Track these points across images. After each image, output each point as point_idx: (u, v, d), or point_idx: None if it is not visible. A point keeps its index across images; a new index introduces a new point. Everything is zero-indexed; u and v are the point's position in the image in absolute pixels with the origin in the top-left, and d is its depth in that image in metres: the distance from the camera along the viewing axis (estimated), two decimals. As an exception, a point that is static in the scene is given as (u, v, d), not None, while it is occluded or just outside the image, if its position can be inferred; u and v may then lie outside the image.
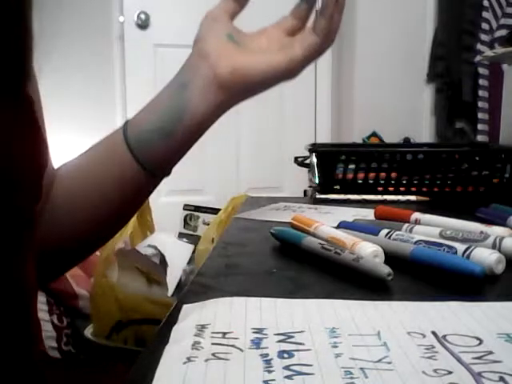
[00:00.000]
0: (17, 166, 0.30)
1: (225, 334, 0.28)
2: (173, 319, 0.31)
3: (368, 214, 0.62)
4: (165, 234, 1.49)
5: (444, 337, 0.27)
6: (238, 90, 0.47)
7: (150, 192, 0.50)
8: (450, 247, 0.41)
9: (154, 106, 0.47)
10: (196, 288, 0.38)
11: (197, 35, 0.48)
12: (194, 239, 1.58)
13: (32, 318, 0.33)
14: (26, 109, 0.31)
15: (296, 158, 0.93)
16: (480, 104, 2.03)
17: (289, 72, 0.47)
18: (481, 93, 2.03)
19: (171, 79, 0.48)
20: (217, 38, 0.47)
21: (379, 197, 0.80)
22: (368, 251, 0.41)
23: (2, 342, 0.29)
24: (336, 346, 0.26)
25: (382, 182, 0.80)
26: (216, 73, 0.46)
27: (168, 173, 0.49)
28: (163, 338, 0.28)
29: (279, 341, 0.27)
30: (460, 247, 0.41)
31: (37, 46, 0.31)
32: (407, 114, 2.44)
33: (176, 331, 0.29)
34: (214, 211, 1.62)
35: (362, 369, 0.24)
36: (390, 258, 0.41)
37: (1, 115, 0.28)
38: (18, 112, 0.30)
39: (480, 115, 2.03)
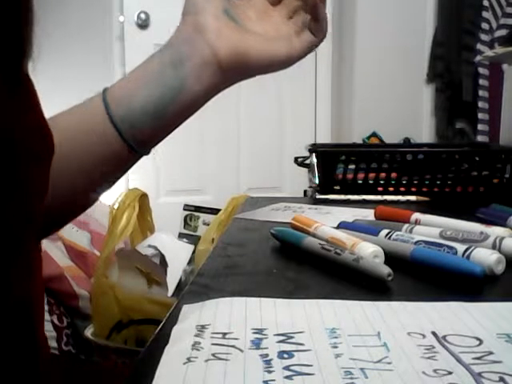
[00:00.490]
0: (21, 155, 0.27)
1: (225, 334, 0.28)
2: (173, 319, 0.31)
3: (368, 214, 0.62)
4: (165, 234, 1.49)
5: (444, 337, 0.27)
6: (235, 72, 0.46)
7: (128, 168, 0.48)
8: (450, 247, 0.41)
9: (142, 79, 0.44)
10: (196, 288, 0.38)
11: (189, 4, 0.46)
12: (194, 239, 1.58)
13: (38, 337, 0.31)
14: (27, 91, 0.29)
15: (296, 158, 0.93)
16: (480, 104, 2.03)
17: (286, 64, 0.47)
18: (481, 93, 2.03)
19: (162, 50, 0.45)
20: (214, 12, 0.45)
21: (379, 197, 0.80)
22: (368, 251, 0.41)
23: (5, 360, 0.28)
24: (336, 347, 0.26)
25: (382, 182, 0.80)
26: (215, 53, 0.44)
27: (148, 152, 0.47)
28: (163, 338, 0.28)
29: (279, 341, 0.27)
30: (460, 247, 0.41)
31: (37, 23, 0.29)
32: (407, 114, 2.44)
33: (176, 331, 0.29)
34: (214, 211, 1.62)
35: (362, 369, 0.24)
36: (390, 258, 0.41)
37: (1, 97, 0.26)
38: (18, 94, 0.28)
39: (480, 115, 2.03)
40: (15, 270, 0.28)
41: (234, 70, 0.46)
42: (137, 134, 0.44)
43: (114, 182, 0.49)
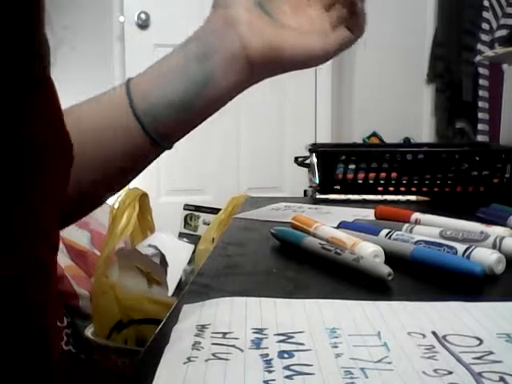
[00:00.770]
0: (35, 163, 0.25)
1: (225, 334, 0.28)
2: (173, 319, 0.31)
3: (368, 213, 0.62)
4: (165, 234, 1.49)
5: (444, 337, 0.27)
6: (266, 68, 0.44)
7: (150, 162, 0.47)
8: (451, 247, 0.41)
9: (167, 73, 0.43)
10: (196, 288, 0.38)
11: None
12: (194, 239, 1.58)
13: (52, 347, 0.30)
14: (45, 93, 0.27)
15: (296, 158, 0.93)
16: (480, 104, 2.03)
17: (321, 59, 0.45)
18: (481, 93, 2.03)
19: (187, 42, 0.44)
20: (246, 5, 0.43)
21: (379, 197, 0.80)
22: (368, 251, 0.41)
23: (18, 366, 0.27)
24: (336, 346, 0.26)
25: (382, 182, 0.80)
26: (246, 47, 0.42)
27: (171, 146, 0.46)
28: (163, 338, 0.28)
29: (279, 341, 0.27)
30: (460, 247, 0.40)
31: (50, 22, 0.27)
32: (407, 114, 2.44)
33: (176, 331, 0.29)
34: (215, 211, 1.62)
35: (362, 369, 0.24)
36: (391, 258, 0.41)
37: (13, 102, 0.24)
38: (34, 96, 0.26)
39: (480, 115, 2.04)
40: (29, 275, 0.27)
41: (265, 66, 0.44)
42: (160, 128, 0.43)
43: (133, 176, 0.48)
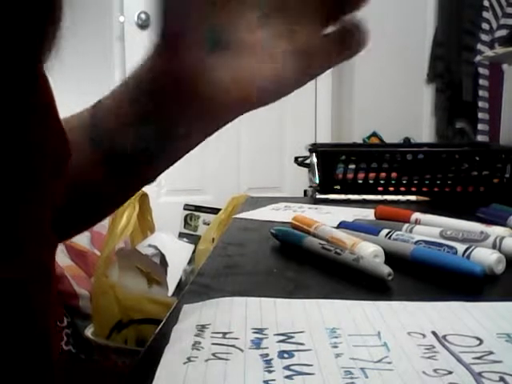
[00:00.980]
0: (33, 160, 0.25)
1: (225, 334, 0.28)
2: (173, 319, 0.31)
3: (368, 214, 0.62)
4: (165, 234, 1.49)
5: (444, 337, 0.27)
6: (238, 112, 0.37)
7: (114, 197, 0.42)
8: (451, 247, 0.41)
9: (130, 123, 0.36)
10: (196, 288, 0.38)
11: (162, 29, 0.32)
12: (194, 239, 1.58)
13: (52, 349, 0.30)
14: (42, 91, 0.26)
15: (296, 158, 0.93)
16: (480, 104, 2.03)
17: (302, 84, 0.36)
18: (481, 93, 2.03)
19: (135, 92, 0.35)
20: (196, 44, 0.33)
21: (379, 197, 0.80)
22: (368, 251, 0.41)
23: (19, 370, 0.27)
24: (336, 346, 0.26)
25: (382, 182, 0.80)
26: (208, 107, 0.35)
27: (152, 181, 0.42)
28: (163, 338, 0.28)
29: (279, 341, 0.27)
30: (460, 247, 0.41)
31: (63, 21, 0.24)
32: (407, 114, 2.44)
33: (176, 331, 0.29)
34: (215, 211, 1.62)
35: (362, 369, 0.24)
36: (391, 258, 0.41)
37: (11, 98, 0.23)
38: (31, 93, 0.25)
39: (480, 115, 2.03)
40: (32, 278, 0.26)
41: (236, 111, 0.37)
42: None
43: (104, 216, 0.44)
